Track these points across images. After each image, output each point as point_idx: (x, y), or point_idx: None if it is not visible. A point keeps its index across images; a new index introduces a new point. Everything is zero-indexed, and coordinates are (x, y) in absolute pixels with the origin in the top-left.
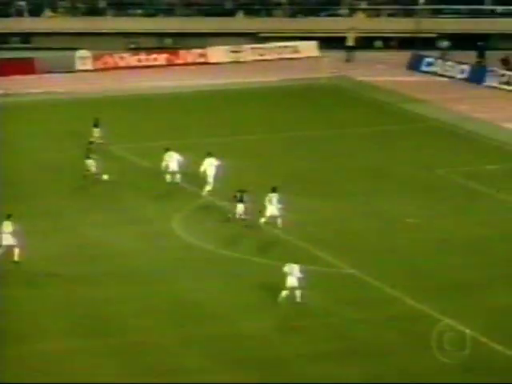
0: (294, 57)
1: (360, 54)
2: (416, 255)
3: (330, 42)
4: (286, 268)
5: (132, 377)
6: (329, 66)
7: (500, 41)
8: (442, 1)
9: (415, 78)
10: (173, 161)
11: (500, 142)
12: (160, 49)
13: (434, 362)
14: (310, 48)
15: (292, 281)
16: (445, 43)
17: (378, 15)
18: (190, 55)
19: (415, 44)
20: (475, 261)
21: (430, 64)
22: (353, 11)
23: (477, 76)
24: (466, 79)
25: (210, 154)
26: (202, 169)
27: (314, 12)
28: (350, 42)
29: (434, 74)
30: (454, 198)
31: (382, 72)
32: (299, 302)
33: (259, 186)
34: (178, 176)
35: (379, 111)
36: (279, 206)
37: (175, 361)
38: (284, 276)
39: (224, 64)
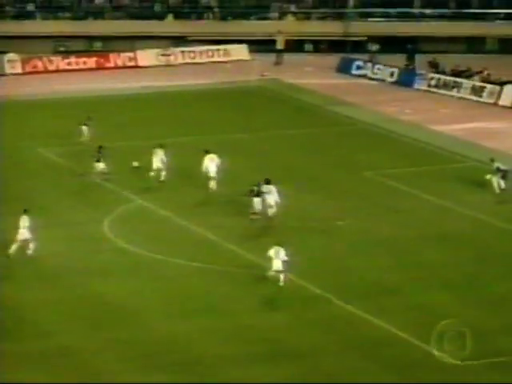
0: (225, 60)
1: (290, 57)
2: (343, 256)
3: (260, 45)
4: (272, 251)
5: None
6: (259, 69)
7: (428, 44)
8: (372, 4)
9: (345, 80)
10: (157, 158)
11: (428, 144)
12: (89, 52)
13: (358, 363)
14: (240, 51)
15: (277, 264)
16: (374, 46)
17: (307, 18)
18: (119, 58)
19: (345, 47)
20: (401, 261)
21: (359, 67)
22: (282, 14)
23: (406, 79)
24: (395, 82)
25: (208, 152)
26: (203, 167)
27: (243, 15)
28: (279, 45)
29: (364, 76)
30: (382, 199)
31: (312, 75)
32: (282, 286)
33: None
34: (163, 174)
35: (308, 114)
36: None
37: (98, 364)
38: (269, 260)
39: (154, 67)
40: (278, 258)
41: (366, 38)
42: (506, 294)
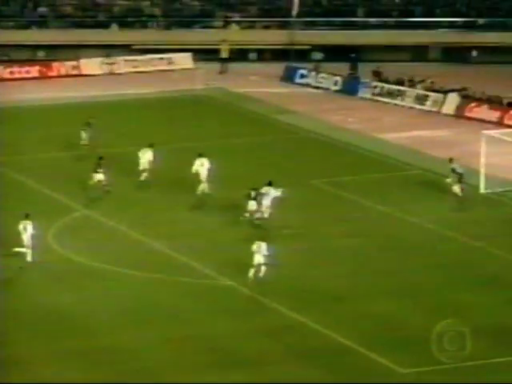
0: (169, 69)
1: (234, 66)
2: (290, 265)
3: (204, 54)
4: (255, 246)
5: None
6: (203, 78)
7: (372, 52)
8: (315, 13)
9: (289, 89)
10: (144, 159)
11: (373, 153)
12: (33, 61)
13: (304, 371)
14: (184, 60)
15: (259, 258)
16: (318, 55)
17: (251, 27)
18: (63, 67)
19: (289, 56)
20: (349, 270)
21: (303, 76)
22: (227, 23)
23: (350, 87)
24: (339, 91)
25: (201, 155)
26: (193, 169)
27: (187, 24)
28: (223, 54)
29: (308, 85)
30: (328, 207)
31: (257, 84)
32: (262, 277)
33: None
34: (144, 174)
35: (253, 122)
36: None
37: (46, 374)
38: (252, 254)
39: (98, 76)
40: (259, 252)
41: (309, 47)
42: (452, 302)
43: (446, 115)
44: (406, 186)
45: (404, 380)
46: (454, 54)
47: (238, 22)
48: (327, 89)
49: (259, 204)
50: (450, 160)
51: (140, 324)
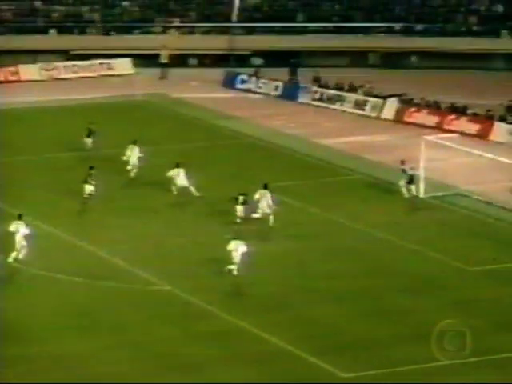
0: (109, 74)
1: (175, 72)
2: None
3: (144, 60)
4: (232, 245)
5: None
6: (143, 84)
7: (312, 58)
8: (255, 19)
9: (230, 94)
10: (133, 155)
11: (314, 158)
12: None
13: (248, 377)
14: (124, 65)
15: (236, 256)
16: (258, 60)
17: (191, 33)
18: (1, 73)
19: (229, 61)
20: (291, 275)
21: (244, 81)
22: (166, 29)
23: (290, 93)
24: (279, 96)
25: (178, 165)
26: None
27: (127, 29)
28: (163, 60)
29: (248, 91)
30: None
31: (197, 89)
32: (237, 275)
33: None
34: (135, 171)
35: (194, 128)
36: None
37: None
38: (229, 253)
39: (37, 82)
40: (237, 250)
41: (250, 52)
42: (393, 307)
43: (386, 120)
44: (348, 191)
45: None
46: (393, 60)
47: (177, 28)
48: (268, 94)
49: (255, 207)
50: (402, 162)
51: (83, 330)
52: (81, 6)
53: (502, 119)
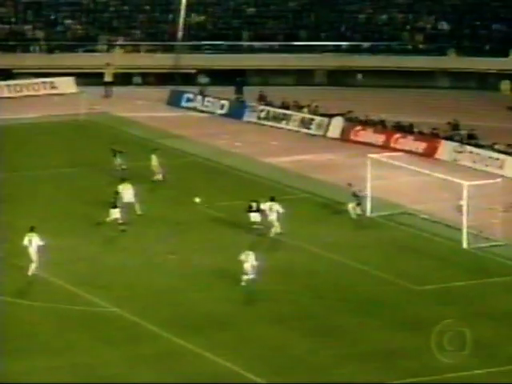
0: (52, 93)
1: (119, 90)
2: (175, 290)
3: (88, 78)
4: (243, 256)
5: None
6: (87, 102)
7: (257, 76)
8: (201, 37)
9: (175, 113)
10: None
11: (259, 177)
12: None
13: None
14: (67, 84)
15: (247, 267)
16: (204, 79)
17: (136, 51)
18: None
19: (175, 80)
20: (233, 294)
21: (189, 100)
22: (110, 47)
23: (236, 111)
24: (225, 114)
25: (123, 180)
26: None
27: (71, 48)
28: (107, 78)
29: (194, 109)
30: (212, 232)
31: (142, 108)
32: (244, 286)
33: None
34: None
35: (138, 147)
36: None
37: None
38: (241, 263)
39: None
40: (248, 261)
41: (195, 71)
42: (336, 326)
43: (332, 139)
44: (293, 211)
45: None
46: (339, 78)
47: (122, 46)
48: (213, 113)
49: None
50: (349, 185)
51: (24, 352)
52: (24, 24)
53: (449, 138)
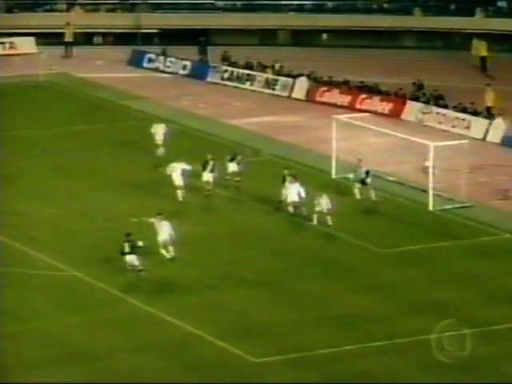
0: (11, 53)
1: (79, 50)
2: None
3: (47, 38)
4: (156, 224)
5: None
6: (47, 63)
7: (221, 36)
8: None
9: (136, 74)
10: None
11: (223, 139)
12: None
13: (156, 363)
14: (27, 44)
15: (163, 237)
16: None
17: (96, 10)
18: None
19: (136, 40)
20: (197, 259)
21: (151, 60)
22: (70, 6)
23: (199, 72)
24: (188, 75)
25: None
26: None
27: (30, 7)
28: (67, 38)
29: (156, 70)
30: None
31: (102, 68)
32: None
33: None
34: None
35: (99, 109)
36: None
37: None
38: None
39: None
40: (163, 231)
41: (156, 31)
42: (301, 291)
43: (296, 100)
44: (256, 172)
45: (255, 369)
46: (304, 38)
47: (82, 5)
48: (176, 73)
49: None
50: (359, 160)
51: None
52: None
53: (414, 98)
